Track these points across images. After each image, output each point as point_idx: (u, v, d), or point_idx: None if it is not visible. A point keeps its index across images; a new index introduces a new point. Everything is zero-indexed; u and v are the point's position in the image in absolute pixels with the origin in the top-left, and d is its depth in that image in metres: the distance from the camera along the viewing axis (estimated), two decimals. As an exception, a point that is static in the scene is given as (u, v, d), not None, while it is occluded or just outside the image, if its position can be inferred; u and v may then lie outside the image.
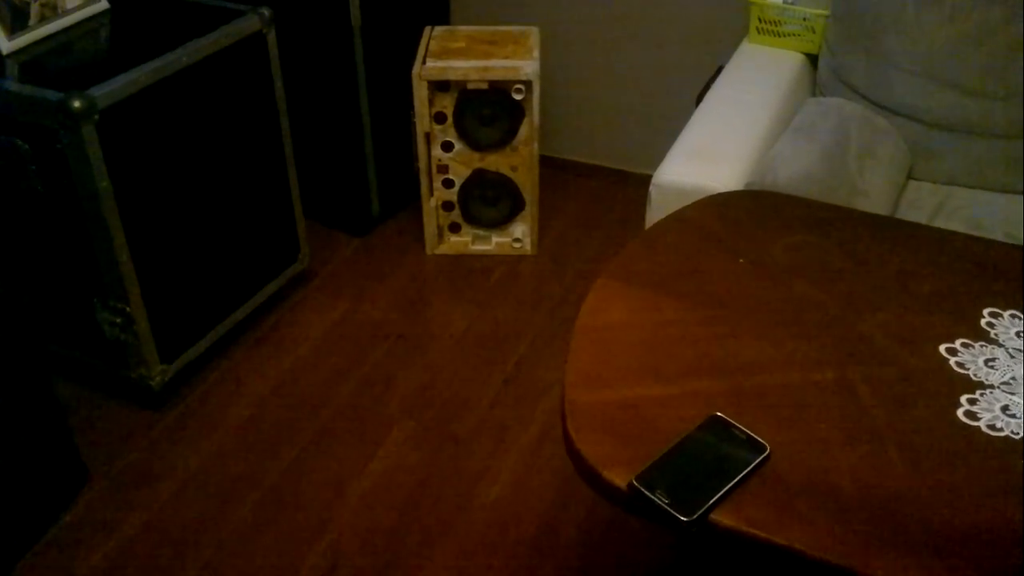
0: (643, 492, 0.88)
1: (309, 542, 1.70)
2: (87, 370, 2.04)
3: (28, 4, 1.83)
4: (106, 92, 1.65)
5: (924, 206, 1.82)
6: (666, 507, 0.87)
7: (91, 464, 1.85)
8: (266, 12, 1.97)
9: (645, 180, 1.71)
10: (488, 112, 2.27)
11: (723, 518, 0.87)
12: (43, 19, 1.86)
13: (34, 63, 1.78)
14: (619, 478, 0.91)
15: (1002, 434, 0.96)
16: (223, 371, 2.09)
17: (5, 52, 1.78)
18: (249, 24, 1.94)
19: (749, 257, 1.23)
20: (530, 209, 2.42)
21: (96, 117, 1.63)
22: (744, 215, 1.33)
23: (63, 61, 1.80)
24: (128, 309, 1.82)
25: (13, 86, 1.67)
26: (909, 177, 1.91)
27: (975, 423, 0.98)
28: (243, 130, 2.01)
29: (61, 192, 1.71)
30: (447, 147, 2.33)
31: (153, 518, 1.75)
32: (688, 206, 1.35)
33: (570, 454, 0.97)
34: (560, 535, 1.71)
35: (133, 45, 1.84)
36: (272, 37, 2.00)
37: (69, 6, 1.91)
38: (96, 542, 1.70)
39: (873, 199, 1.66)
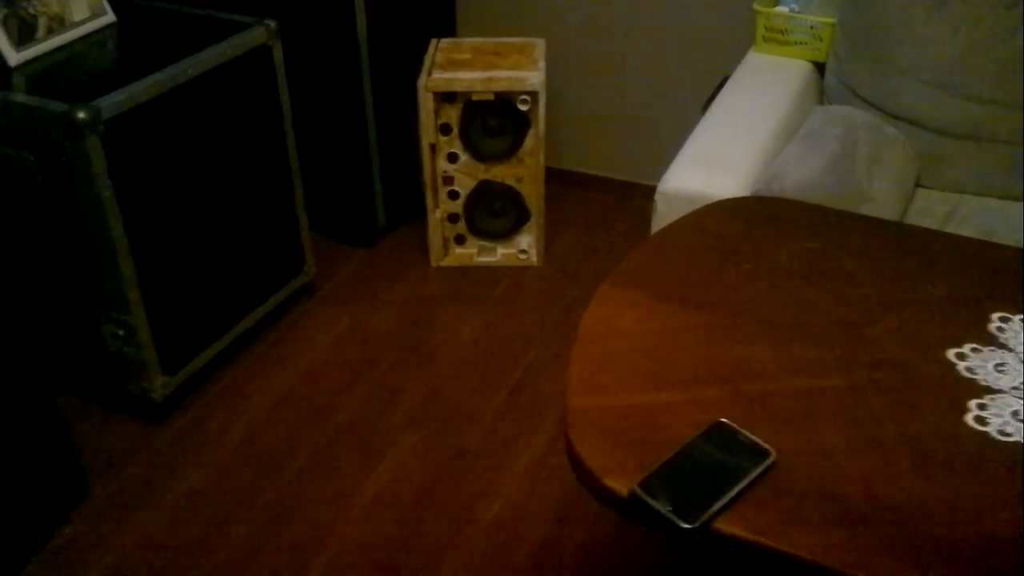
0: (645, 499, 0.86)
1: (310, 557, 1.68)
2: (89, 383, 2.03)
3: (36, 17, 1.84)
4: (111, 103, 1.65)
5: (934, 214, 1.80)
6: (668, 514, 0.85)
7: (91, 478, 1.84)
8: (272, 24, 1.97)
9: (651, 191, 1.70)
10: (494, 123, 2.26)
11: (727, 525, 0.85)
12: (50, 32, 1.87)
13: (41, 75, 1.78)
14: (621, 485, 0.89)
15: (1012, 439, 0.94)
16: (226, 384, 2.08)
17: (13, 64, 1.79)
18: (255, 36, 1.94)
19: (756, 262, 1.21)
20: (536, 220, 2.41)
21: (101, 128, 1.63)
22: (751, 221, 1.31)
23: (69, 73, 1.80)
24: (131, 320, 1.81)
25: (19, 98, 1.68)
26: (917, 185, 1.89)
27: (985, 428, 0.96)
28: (248, 142, 2.01)
29: (65, 203, 1.71)
30: (452, 158, 2.32)
31: (153, 533, 1.73)
32: (694, 212, 1.33)
33: (571, 461, 0.95)
34: (564, 551, 1.68)
35: (139, 57, 1.84)
36: (278, 49, 2.00)
37: (76, 19, 1.92)
38: (94, 557, 1.68)
39: (881, 206, 1.64)
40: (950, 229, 1.72)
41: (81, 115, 1.60)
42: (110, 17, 1.99)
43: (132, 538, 1.72)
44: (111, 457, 1.89)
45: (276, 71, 2.02)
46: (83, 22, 1.93)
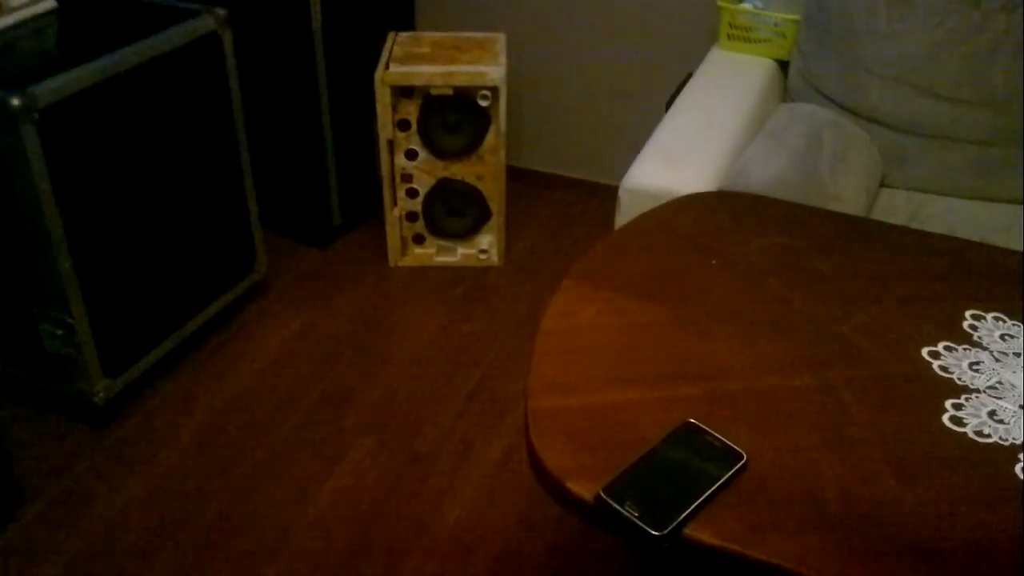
0: (611, 504, 0.81)
1: (260, 567, 1.60)
2: (25, 385, 1.93)
3: (-31, 1, 1.75)
4: (47, 91, 1.57)
5: (898, 213, 1.78)
6: (636, 521, 0.80)
7: (27, 486, 1.74)
8: (221, 12, 1.90)
9: (613, 191, 1.66)
10: (453, 119, 2.21)
11: (697, 532, 0.80)
12: (-15, 17, 1.77)
13: (-27, 61, 1.69)
14: (585, 490, 0.83)
15: (989, 440, 0.91)
16: (172, 386, 1.99)
17: (-58, 49, 1.69)
18: (203, 24, 1.86)
19: (723, 258, 1.17)
20: (496, 219, 2.35)
21: (36, 116, 1.54)
22: (717, 216, 1.27)
23: (5, 60, 1.71)
24: (70, 320, 1.72)
25: (-52, 84, 1.59)
26: (882, 184, 1.88)
27: (961, 429, 0.92)
28: (196, 134, 1.93)
29: (0, 195, 1.63)
30: (411, 155, 2.26)
31: (92, 543, 1.64)
32: (659, 206, 1.29)
33: (533, 465, 0.89)
34: (525, 556, 1.63)
35: (81, 44, 1.76)
36: (228, 38, 1.93)
37: (14, 4, 1.83)
38: (29, 570, 1.59)
39: (846, 204, 1.62)
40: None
41: (14, 102, 1.51)
42: (51, 3, 1.90)
43: (69, 550, 1.63)
44: (48, 465, 1.80)
45: (226, 61, 1.94)
46: (21, 7, 1.85)
